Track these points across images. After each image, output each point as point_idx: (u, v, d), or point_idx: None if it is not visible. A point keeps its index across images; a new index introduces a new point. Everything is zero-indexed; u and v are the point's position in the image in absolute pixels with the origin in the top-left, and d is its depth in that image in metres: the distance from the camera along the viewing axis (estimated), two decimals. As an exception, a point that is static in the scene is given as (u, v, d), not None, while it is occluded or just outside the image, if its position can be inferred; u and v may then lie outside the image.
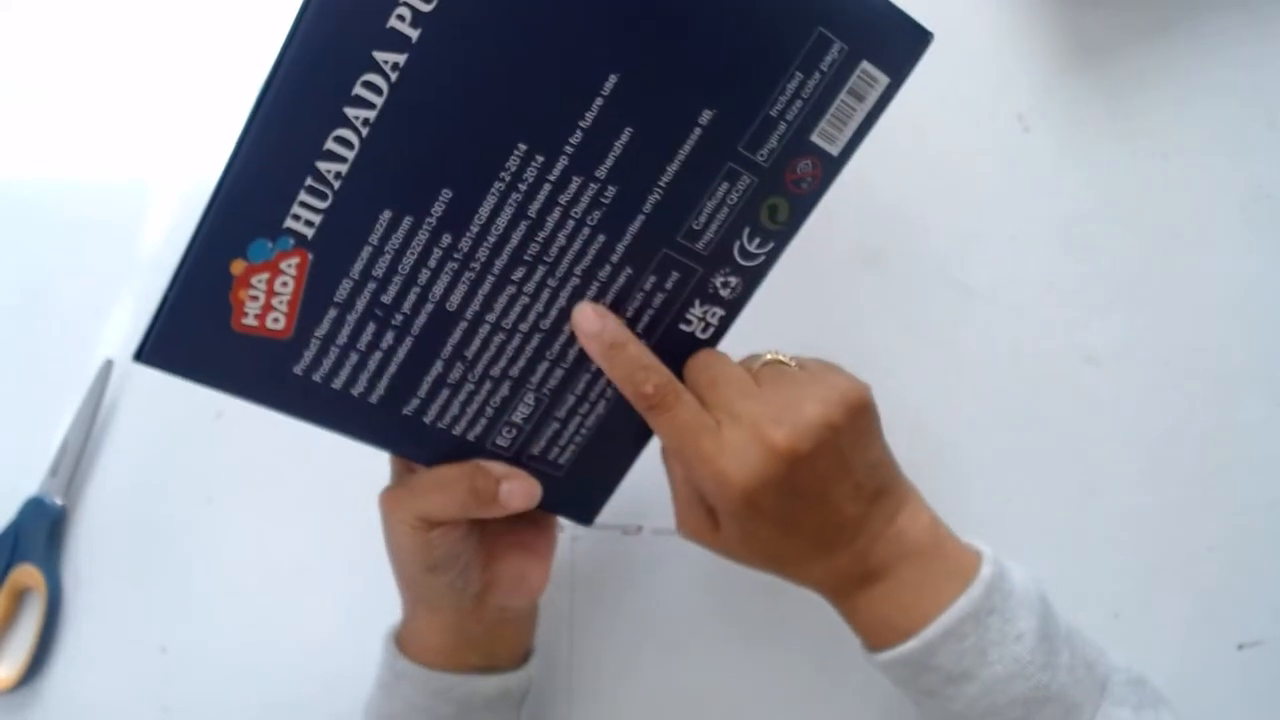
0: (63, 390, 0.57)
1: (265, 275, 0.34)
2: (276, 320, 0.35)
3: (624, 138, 0.35)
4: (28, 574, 0.55)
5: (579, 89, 0.34)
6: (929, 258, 0.54)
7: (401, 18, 0.32)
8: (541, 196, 0.36)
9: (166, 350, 0.35)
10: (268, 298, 0.35)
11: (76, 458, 0.56)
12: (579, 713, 0.51)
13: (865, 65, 0.36)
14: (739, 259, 0.39)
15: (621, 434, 0.42)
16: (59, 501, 0.56)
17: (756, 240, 0.39)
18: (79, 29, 0.64)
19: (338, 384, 0.37)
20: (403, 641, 0.44)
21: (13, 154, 0.63)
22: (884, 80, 0.37)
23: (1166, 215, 0.53)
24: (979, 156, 0.55)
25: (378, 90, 0.33)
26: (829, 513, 0.37)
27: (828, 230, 0.55)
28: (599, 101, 0.35)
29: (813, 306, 0.53)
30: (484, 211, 0.36)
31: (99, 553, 0.55)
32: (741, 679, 0.51)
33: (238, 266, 0.34)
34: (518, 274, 0.37)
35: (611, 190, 0.36)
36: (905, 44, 0.37)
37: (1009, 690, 0.36)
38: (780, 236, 0.39)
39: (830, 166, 0.38)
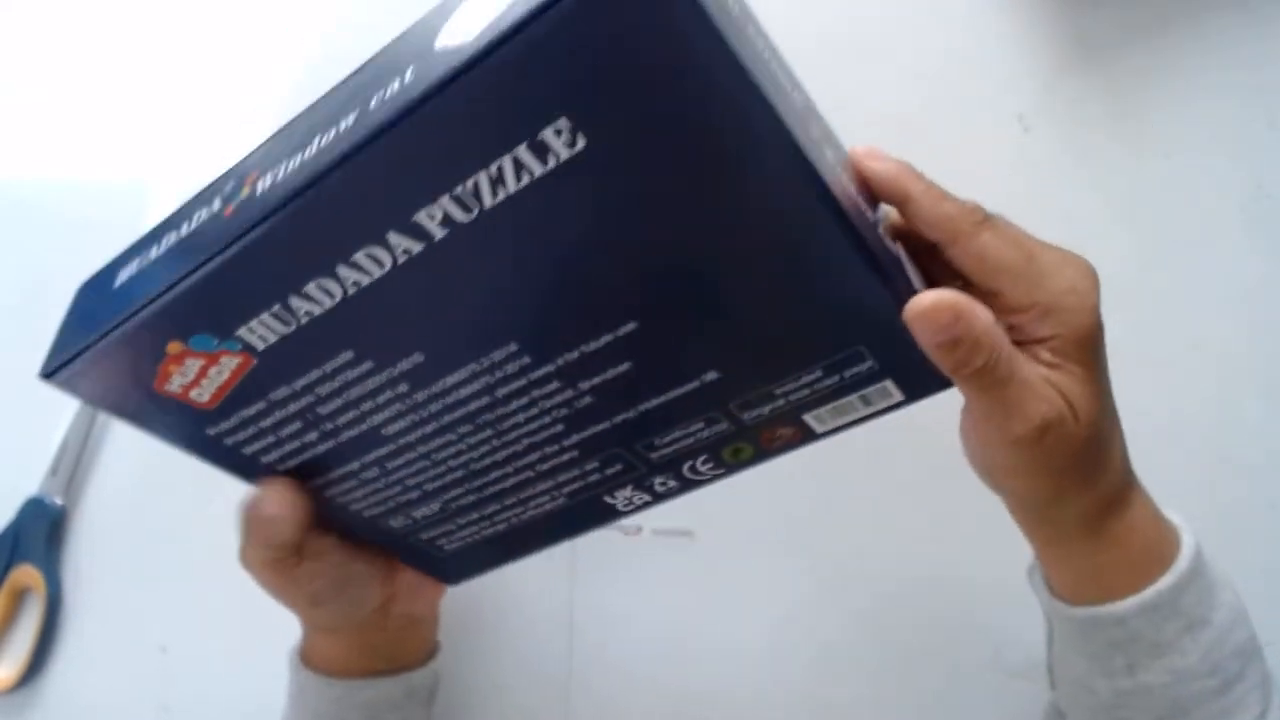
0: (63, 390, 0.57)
1: (200, 362, 0.33)
2: (200, 395, 0.34)
3: (620, 369, 0.34)
4: (28, 574, 0.55)
5: (593, 323, 0.32)
6: (929, 258, 0.54)
7: (432, 216, 0.28)
8: (514, 386, 0.34)
9: (76, 382, 0.34)
10: (197, 378, 0.33)
11: (76, 458, 0.56)
12: (579, 713, 0.51)
13: (888, 383, 0.35)
14: (686, 474, 0.38)
15: (520, 543, 0.42)
16: (59, 501, 0.56)
17: (709, 465, 0.38)
18: (79, 29, 0.64)
19: (248, 451, 0.36)
20: (305, 655, 0.44)
21: (13, 154, 0.63)
22: (898, 398, 0.35)
23: (1167, 215, 0.53)
24: (979, 156, 0.55)
25: (379, 264, 0.30)
26: (1113, 400, 0.35)
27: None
28: (608, 338, 0.33)
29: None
30: (450, 380, 0.34)
31: (99, 553, 0.55)
32: (742, 680, 0.51)
33: (175, 347, 0.32)
34: (463, 429, 0.36)
35: (587, 400, 0.35)
36: (932, 375, 0.33)
37: (1233, 638, 0.34)
38: (735, 469, 0.38)
39: (809, 438, 0.37)
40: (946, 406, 0.53)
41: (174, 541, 0.55)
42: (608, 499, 0.39)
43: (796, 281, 0.31)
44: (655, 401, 0.35)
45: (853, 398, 0.35)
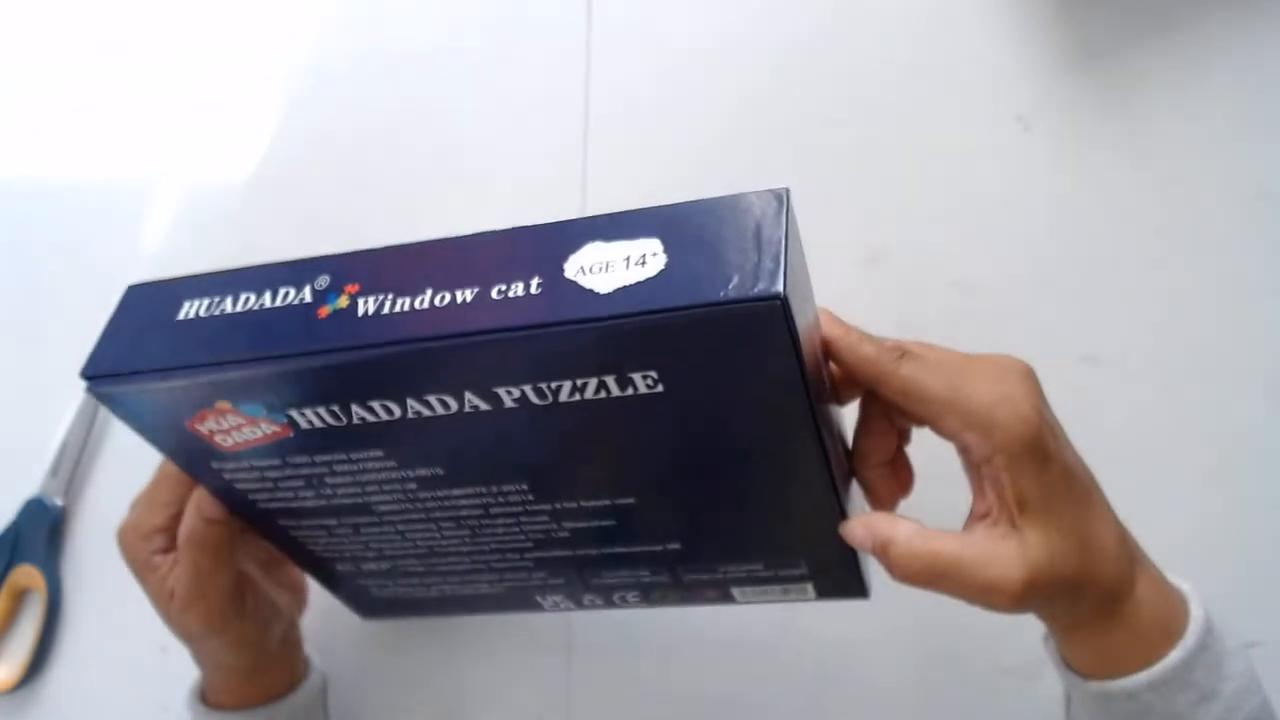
0: (63, 390, 0.56)
1: (239, 421, 0.34)
2: (225, 440, 0.35)
3: (604, 523, 0.38)
4: (28, 574, 0.55)
5: (601, 491, 0.36)
6: (929, 258, 0.54)
7: (509, 393, 0.31)
8: (509, 510, 0.38)
9: (113, 397, 0.35)
10: (230, 429, 0.35)
11: (76, 458, 0.56)
12: (579, 713, 0.51)
13: (808, 585, 0.41)
14: (614, 600, 0.43)
15: (445, 605, 0.45)
16: (59, 502, 0.56)
17: (636, 598, 0.43)
18: (80, 29, 0.64)
19: (240, 488, 0.38)
20: (206, 694, 0.45)
21: (13, 154, 0.63)
22: (810, 596, 0.41)
23: (1166, 215, 0.53)
24: (979, 156, 0.55)
25: (446, 407, 0.32)
26: (1087, 481, 0.35)
27: (828, 230, 0.55)
28: (606, 502, 0.37)
29: (813, 306, 0.53)
30: (456, 493, 0.37)
31: (99, 553, 0.55)
32: (742, 680, 0.51)
33: (223, 405, 0.34)
34: (446, 525, 0.39)
35: (564, 534, 0.39)
36: (846, 588, 0.41)
37: (1245, 707, 0.35)
38: (655, 605, 0.43)
39: (727, 602, 0.43)
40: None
41: (174, 541, 0.55)
42: (538, 598, 0.44)
43: (778, 499, 0.36)
44: (618, 550, 0.39)
45: (776, 588, 0.41)
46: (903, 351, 0.34)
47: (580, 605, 0.44)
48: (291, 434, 0.34)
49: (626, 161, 0.58)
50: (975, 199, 0.54)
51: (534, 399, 0.31)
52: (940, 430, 0.34)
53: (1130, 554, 0.35)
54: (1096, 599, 0.34)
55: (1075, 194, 0.54)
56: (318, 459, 0.36)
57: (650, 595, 0.43)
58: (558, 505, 0.37)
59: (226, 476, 0.37)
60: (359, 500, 0.38)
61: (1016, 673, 0.48)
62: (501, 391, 0.31)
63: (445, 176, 0.60)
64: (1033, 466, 0.32)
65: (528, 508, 0.37)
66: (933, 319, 0.53)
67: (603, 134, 0.59)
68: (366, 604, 0.46)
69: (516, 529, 0.39)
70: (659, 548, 0.39)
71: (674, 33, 0.61)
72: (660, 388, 0.30)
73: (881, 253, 0.54)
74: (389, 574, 0.43)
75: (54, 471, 0.56)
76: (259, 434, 0.34)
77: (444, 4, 0.63)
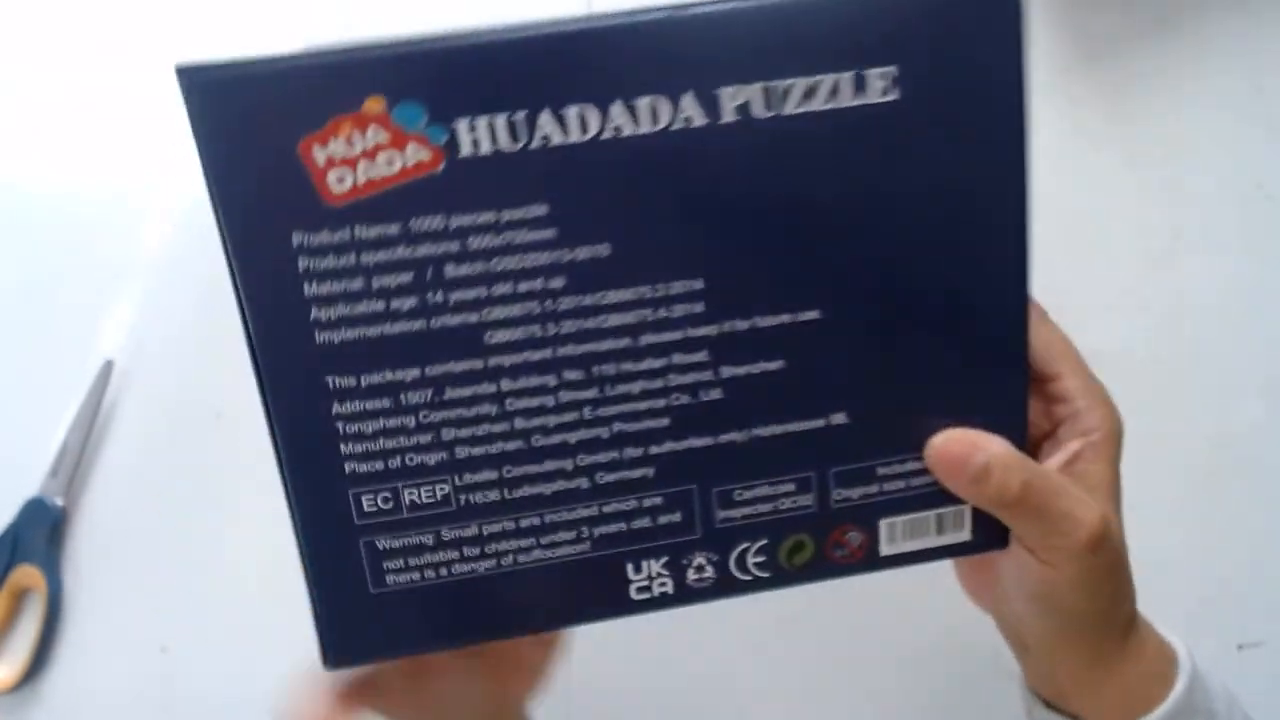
0: (63, 390, 0.56)
1: (384, 137, 0.28)
2: (340, 182, 0.28)
3: (770, 365, 0.31)
4: (28, 574, 0.55)
5: (784, 292, 0.31)
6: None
7: (733, 98, 0.29)
8: (664, 338, 0.31)
9: (207, 104, 0.28)
10: (360, 156, 0.28)
11: (76, 458, 0.56)
12: (579, 713, 0.51)
13: (965, 509, 0.34)
14: (731, 566, 0.34)
15: (472, 614, 0.33)
16: (59, 502, 0.55)
17: (760, 560, 0.33)
18: (81, 28, 0.64)
19: (310, 293, 0.29)
20: None
21: (13, 154, 0.63)
22: (965, 536, 0.35)
23: (1166, 215, 0.53)
24: (979, 156, 0.55)
25: (655, 120, 0.28)
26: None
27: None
28: (786, 318, 0.31)
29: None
30: (610, 298, 0.30)
31: (99, 553, 0.55)
32: (743, 680, 0.51)
33: (374, 105, 0.28)
34: (570, 374, 0.31)
35: (714, 393, 0.31)
36: (1002, 527, 0.34)
37: (1235, 716, 0.36)
38: (778, 580, 0.34)
39: (868, 562, 0.34)
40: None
41: (174, 541, 0.55)
42: (629, 569, 0.33)
43: (965, 320, 0.32)
44: (771, 430, 0.32)
45: (930, 514, 0.34)
46: (1043, 310, 0.35)
47: (680, 586, 0.34)
48: (441, 168, 0.28)
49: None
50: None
51: (758, 108, 0.28)
52: (1063, 386, 0.35)
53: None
54: (1130, 612, 0.35)
55: (1075, 194, 0.54)
56: (455, 222, 0.28)
57: (779, 550, 0.33)
58: (726, 325, 0.30)
59: (302, 265, 0.28)
60: (474, 321, 0.29)
61: (1017, 674, 0.48)
62: (724, 95, 0.28)
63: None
64: (1115, 459, 0.34)
65: (689, 333, 0.30)
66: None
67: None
68: (352, 622, 0.33)
69: (659, 384, 0.31)
70: (821, 423, 0.32)
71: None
72: (894, 94, 0.29)
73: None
74: (439, 514, 0.31)
75: (54, 472, 0.56)
76: (396, 168, 0.28)
77: (444, 3, 0.62)
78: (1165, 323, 0.52)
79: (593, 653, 0.52)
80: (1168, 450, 0.51)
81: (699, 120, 0.28)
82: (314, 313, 0.29)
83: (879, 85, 0.29)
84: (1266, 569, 0.50)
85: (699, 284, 0.30)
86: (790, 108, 0.29)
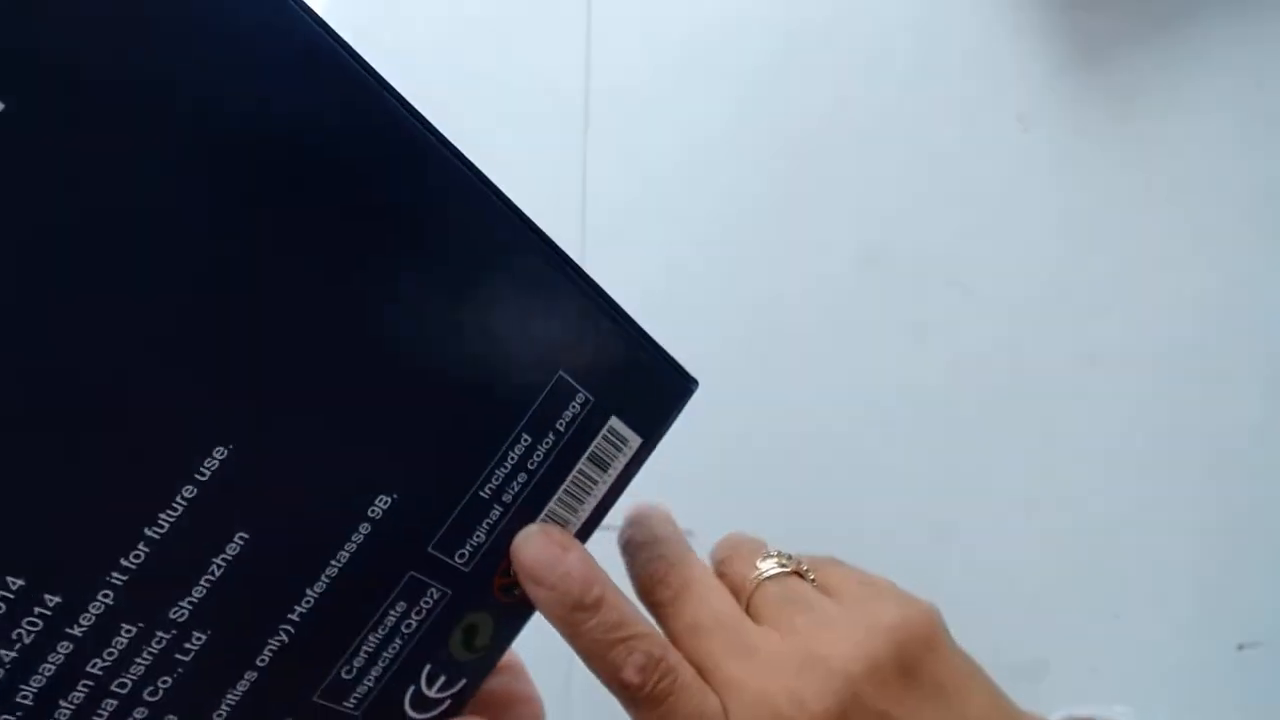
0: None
1: None
2: None
3: (231, 549, 0.22)
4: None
5: (147, 469, 0.20)
6: (929, 258, 0.54)
7: None
8: (76, 637, 0.21)
9: None
10: None
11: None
12: (579, 713, 0.51)
13: (614, 423, 0.27)
14: (411, 712, 0.26)
15: None
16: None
17: (440, 681, 0.26)
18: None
19: None
20: None
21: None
22: (635, 442, 0.27)
23: (1166, 215, 0.53)
24: (979, 156, 0.55)
25: None
26: None
27: (828, 230, 0.55)
28: (191, 492, 0.21)
29: (813, 306, 0.53)
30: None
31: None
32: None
33: None
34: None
35: (198, 640, 0.22)
36: (664, 394, 0.27)
37: None
38: (476, 668, 0.27)
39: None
40: (936, 407, 0.54)
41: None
42: None
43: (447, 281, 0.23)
44: (315, 590, 0.23)
45: (582, 463, 0.26)
46: (635, 695, 0.25)
47: None
48: None
49: (626, 160, 0.58)
50: (975, 199, 0.54)
51: None
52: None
53: None
54: None
55: (1075, 194, 0.54)
56: None
57: (446, 654, 0.26)
58: (108, 580, 0.20)
59: None
60: None
61: (1020, 672, 0.48)
62: None
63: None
64: None
65: (87, 625, 0.20)
66: (933, 319, 0.53)
67: (602, 132, 0.59)
68: None
69: (137, 679, 0.21)
70: (364, 527, 0.23)
71: (672, 32, 0.61)
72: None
73: (881, 253, 0.54)
74: None
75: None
76: None
77: (444, 3, 0.62)
78: (1165, 323, 0.52)
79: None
80: (1168, 450, 0.51)
81: None
82: None
83: None
84: (1266, 569, 0.50)
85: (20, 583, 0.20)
86: None
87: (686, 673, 0.25)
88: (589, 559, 0.26)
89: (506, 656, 0.31)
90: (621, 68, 0.60)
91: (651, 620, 0.27)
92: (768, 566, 0.28)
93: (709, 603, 0.27)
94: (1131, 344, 0.53)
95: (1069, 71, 0.55)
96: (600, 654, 0.25)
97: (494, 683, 0.30)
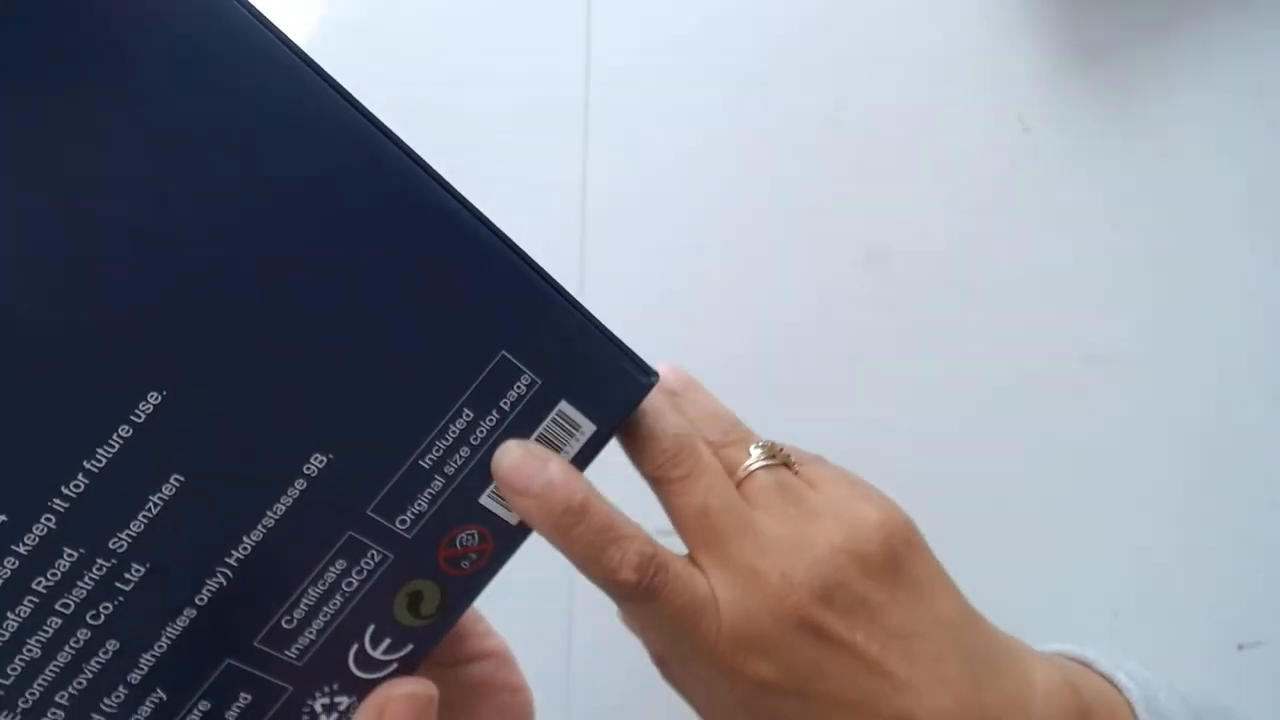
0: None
1: None
2: None
3: (166, 490, 0.23)
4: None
5: (82, 410, 0.22)
6: (929, 258, 0.54)
7: None
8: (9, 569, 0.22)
9: None
10: None
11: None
12: (579, 713, 0.51)
13: (564, 407, 0.27)
14: (355, 670, 0.26)
15: None
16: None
17: (385, 643, 0.26)
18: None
19: None
20: None
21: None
22: (589, 429, 0.27)
23: (1167, 215, 0.53)
24: (979, 156, 0.55)
25: None
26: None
27: (828, 230, 0.55)
28: (126, 431, 0.22)
29: (813, 306, 0.53)
30: None
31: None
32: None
33: None
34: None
35: (137, 573, 0.23)
36: (620, 384, 0.27)
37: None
38: (424, 635, 0.27)
39: (507, 539, 0.28)
40: (937, 407, 0.54)
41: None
42: None
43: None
44: (253, 539, 0.24)
45: (543, 425, 0.27)
46: (631, 594, 0.27)
47: None
48: None
49: (626, 160, 0.58)
50: (975, 199, 0.54)
51: None
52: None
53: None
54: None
55: (1075, 194, 0.54)
56: None
57: (390, 618, 0.27)
58: (53, 506, 0.22)
59: None
60: None
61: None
62: None
63: (443, 171, 0.59)
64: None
65: (24, 551, 0.22)
66: (933, 319, 0.53)
67: (601, 133, 0.59)
68: None
69: (63, 620, 0.23)
70: (300, 483, 0.24)
71: (672, 31, 0.61)
72: None
73: (881, 253, 0.54)
74: None
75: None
76: None
77: (443, 2, 0.63)
78: (1165, 323, 0.52)
79: (592, 653, 0.52)
80: (1168, 450, 0.51)
81: None
82: None
83: None
84: (1266, 569, 0.50)
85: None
86: None
87: (676, 564, 0.27)
88: (569, 467, 0.27)
89: (494, 644, 0.32)
90: (622, 64, 0.60)
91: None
92: (759, 454, 0.30)
93: (716, 489, 0.28)
94: (1132, 344, 0.53)
95: (1070, 71, 0.55)
96: (594, 557, 0.27)
97: (477, 669, 0.32)
